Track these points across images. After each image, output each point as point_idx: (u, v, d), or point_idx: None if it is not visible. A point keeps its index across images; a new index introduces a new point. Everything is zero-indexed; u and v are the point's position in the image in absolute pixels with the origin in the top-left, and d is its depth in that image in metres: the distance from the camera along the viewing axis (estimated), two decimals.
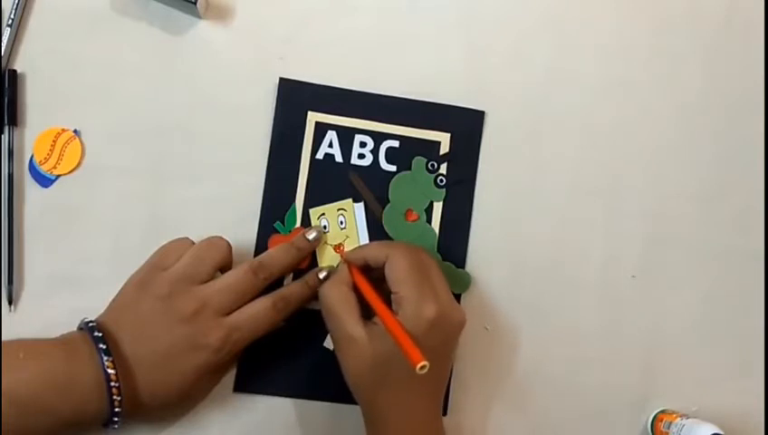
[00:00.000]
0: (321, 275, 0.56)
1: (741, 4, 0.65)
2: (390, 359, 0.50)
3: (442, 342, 0.52)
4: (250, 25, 0.61)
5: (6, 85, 0.58)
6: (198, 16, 0.60)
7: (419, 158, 0.61)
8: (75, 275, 0.58)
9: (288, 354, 0.57)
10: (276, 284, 0.56)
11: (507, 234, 0.61)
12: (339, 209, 0.60)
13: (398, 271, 0.52)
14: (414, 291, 0.52)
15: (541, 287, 0.61)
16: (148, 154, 0.59)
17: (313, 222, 0.60)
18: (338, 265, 0.58)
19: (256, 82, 0.60)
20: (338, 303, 0.53)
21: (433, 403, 0.54)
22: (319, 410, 0.58)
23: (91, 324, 0.52)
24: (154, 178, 0.59)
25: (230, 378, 0.58)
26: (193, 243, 0.55)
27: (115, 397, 0.49)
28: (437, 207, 0.61)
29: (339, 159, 0.60)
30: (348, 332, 0.52)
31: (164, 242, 0.56)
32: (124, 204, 0.59)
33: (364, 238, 0.60)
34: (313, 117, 0.60)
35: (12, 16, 0.58)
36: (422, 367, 0.45)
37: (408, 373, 0.46)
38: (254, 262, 0.55)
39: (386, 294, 0.53)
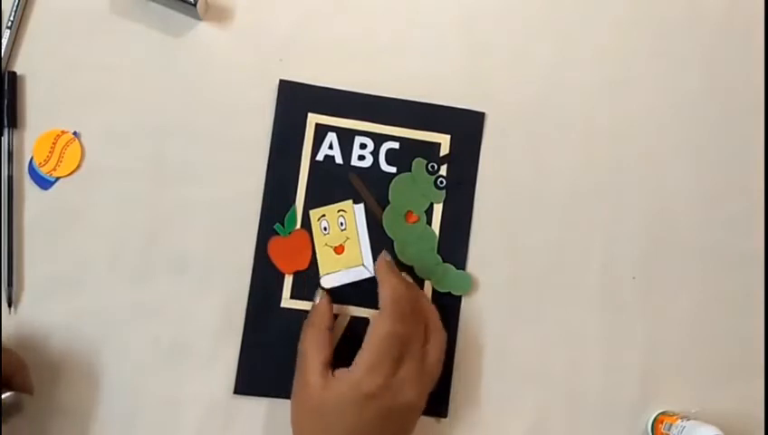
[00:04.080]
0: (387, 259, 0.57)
1: (741, 4, 0.65)
2: (332, 413, 0.51)
3: (381, 415, 0.52)
4: (250, 27, 0.61)
5: (6, 87, 0.58)
6: (198, 18, 0.60)
7: (419, 159, 0.61)
8: (75, 277, 0.58)
9: (288, 356, 0.57)
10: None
11: (508, 235, 0.61)
12: (339, 211, 0.60)
13: (374, 336, 0.52)
14: (369, 361, 0.52)
15: (541, 288, 0.61)
16: (147, 156, 0.59)
17: (313, 223, 0.60)
18: (318, 297, 0.58)
19: (256, 83, 0.60)
20: (309, 346, 0.54)
21: None
22: None
23: None
24: (154, 179, 0.59)
25: (231, 380, 0.58)
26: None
27: None
28: (438, 209, 0.61)
29: (339, 160, 0.60)
30: (305, 376, 0.53)
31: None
32: (124, 206, 0.59)
33: (364, 240, 0.60)
34: (313, 118, 0.60)
35: (11, 18, 0.58)
36: None
37: (345, 432, 0.51)
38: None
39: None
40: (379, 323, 0.53)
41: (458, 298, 0.60)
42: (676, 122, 0.64)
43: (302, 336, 0.56)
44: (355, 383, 0.51)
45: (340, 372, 0.53)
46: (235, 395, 0.58)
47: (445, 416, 0.59)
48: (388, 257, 0.57)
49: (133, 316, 0.58)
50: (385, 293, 0.54)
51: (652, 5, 0.64)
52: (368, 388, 0.51)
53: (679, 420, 0.58)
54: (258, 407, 0.58)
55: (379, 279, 0.55)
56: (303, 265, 0.59)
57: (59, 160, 0.58)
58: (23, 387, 0.54)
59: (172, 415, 0.58)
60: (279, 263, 0.59)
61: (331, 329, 0.56)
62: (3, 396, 0.55)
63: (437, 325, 0.56)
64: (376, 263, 0.57)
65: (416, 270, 0.60)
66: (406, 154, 0.60)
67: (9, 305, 0.57)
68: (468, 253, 0.61)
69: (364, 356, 0.52)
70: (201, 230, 0.59)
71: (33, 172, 0.58)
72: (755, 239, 0.63)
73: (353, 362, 0.52)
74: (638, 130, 0.63)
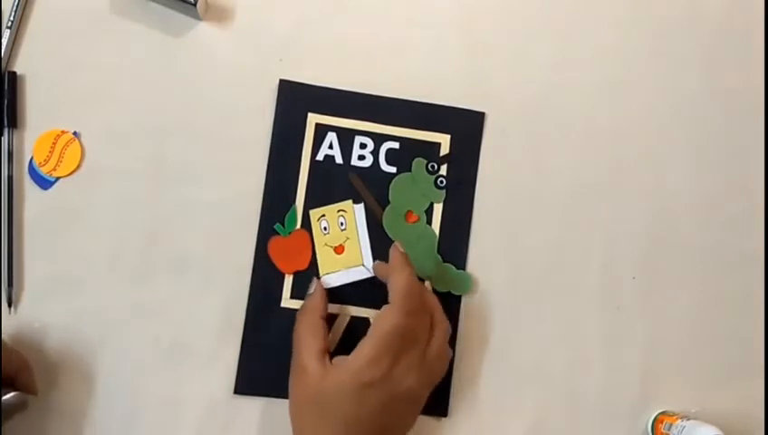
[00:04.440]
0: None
1: (741, 4, 0.65)
2: (332, 401, 0.51)
3: (381, 404, 0.52)
4: (250, 27, 0.61)
5: (6, 87, 0.58)
6: (198, 18, 0.60)
7: (419, 159, 0.61)
8: (75, 277, 0.58)
9: (288, 356, 0.57)
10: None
11: (508, 235, 0.61)
12: (339, 211, 0.60)
13: (379, 328, 0.52)
14: (371, 351, 0.52)
15: (541, 288, 0.61)
16: (147, 156, 0.59)
17: (313, 223, 0.60)
18: (312, 288, 0.58)
19: (256, 83, 0.60)
20: (304, 332, 0.55)
21: None
22: None
23: None
24: (154, 179, 0.59)
25: (231, 380, 0.58)
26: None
27: None
28: (438, 209, 0.61)
29: (339, 160, 0.60)
30: (303, 362, 0.53)
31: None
32: (124, 206, 0.59)
33: (364, 240, 0.60)
34: (313, 118, 0.60)
35: (12, 18, 0.58)
36: None
37: (343, 420, 0.51)
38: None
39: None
40: (388, 314, 0.52)
41: (458, 298, 0.60)
42: (676, 122, 0.64)
43: (296, 324, 0.56)
44: (355, 372, 0.51)
45: (339, 359, 0.53)
46: (235, 395, 0.58)
47: (445, 416, 0.59)
48: (403, 248, 0.57)
49: (133, 316, 0.58)
50: (397, 285, 0.53)
51: (652, 5, 0.64)
52: (367, 377, 0.51)
53: (679, 420, 0.57)
54: (258, 407, 0.58)
55: (391, 269, 0.55)
56: (303, 265, 0.59)
57: (59, 160, 0.58)
58: (27, 388, 0.54)
59: (172, 415, 0.58)
60: (279, 263, 0.59)
61: (325, 318, 0.56)
62: (7, 396, 0.55)
63: (441, 317, 0.55)
64: (389, 252, 0.56)
65: (416, 270, 0.60)
66: (406, 154, 0.60)
67: (9, 305, 0.57)
68: (468, 253, 0.61)
69: (367, 346, 0.52)
70: (201, 230, 0.59)
71: (33, 172, 0.58)
72: (755, 239, 0.63)
73: (355, 350, 0.52)
74: (638, 130, 0.63)
